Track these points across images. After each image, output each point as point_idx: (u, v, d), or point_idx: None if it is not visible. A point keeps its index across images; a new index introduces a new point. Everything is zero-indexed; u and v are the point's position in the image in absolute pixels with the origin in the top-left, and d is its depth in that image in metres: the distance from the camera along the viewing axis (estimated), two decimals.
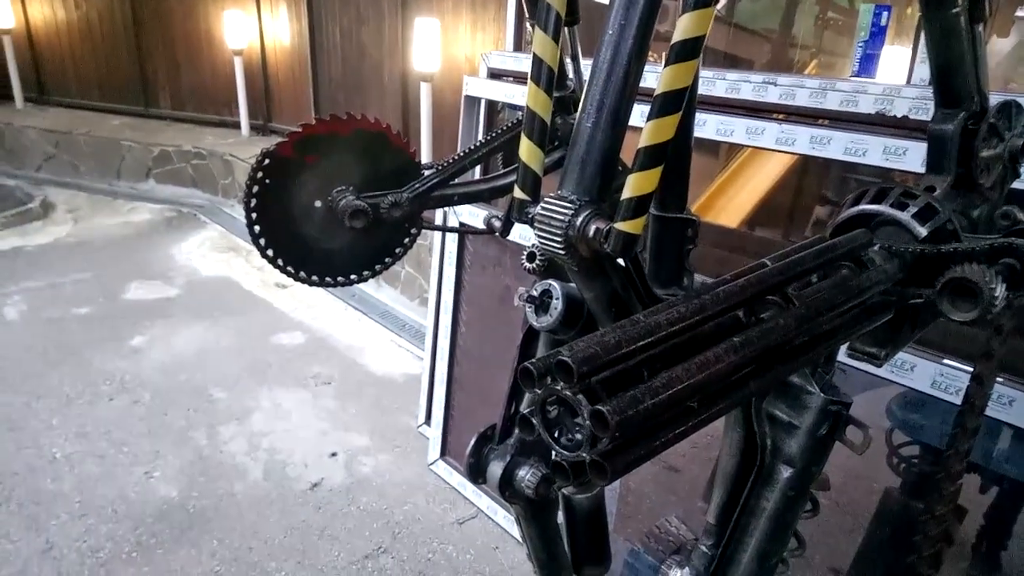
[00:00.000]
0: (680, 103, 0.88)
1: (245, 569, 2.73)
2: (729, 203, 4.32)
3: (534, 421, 0.62)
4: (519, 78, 2.79)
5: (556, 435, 0.62)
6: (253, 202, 1.34)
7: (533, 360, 0.61)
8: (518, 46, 3.06)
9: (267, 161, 1.33)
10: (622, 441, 0.57)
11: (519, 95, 2.68)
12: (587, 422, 0.55)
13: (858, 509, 2.25)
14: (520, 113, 2.85)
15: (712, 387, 0.62)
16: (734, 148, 4.39)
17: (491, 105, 2.99)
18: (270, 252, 1.40)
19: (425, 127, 4.99)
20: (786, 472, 1.02)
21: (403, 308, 5.02)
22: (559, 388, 0.58)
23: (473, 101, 2.96)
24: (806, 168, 4.20)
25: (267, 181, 1.34)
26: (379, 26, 5.71)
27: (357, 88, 6.15)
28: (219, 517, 2.98)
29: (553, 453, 0.67)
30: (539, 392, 0.60)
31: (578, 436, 0.60)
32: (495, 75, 2.89)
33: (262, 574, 2.71)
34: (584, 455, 0.57)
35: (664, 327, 0.61)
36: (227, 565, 2.74)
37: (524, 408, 1.46)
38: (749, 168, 4.44)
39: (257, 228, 1.37)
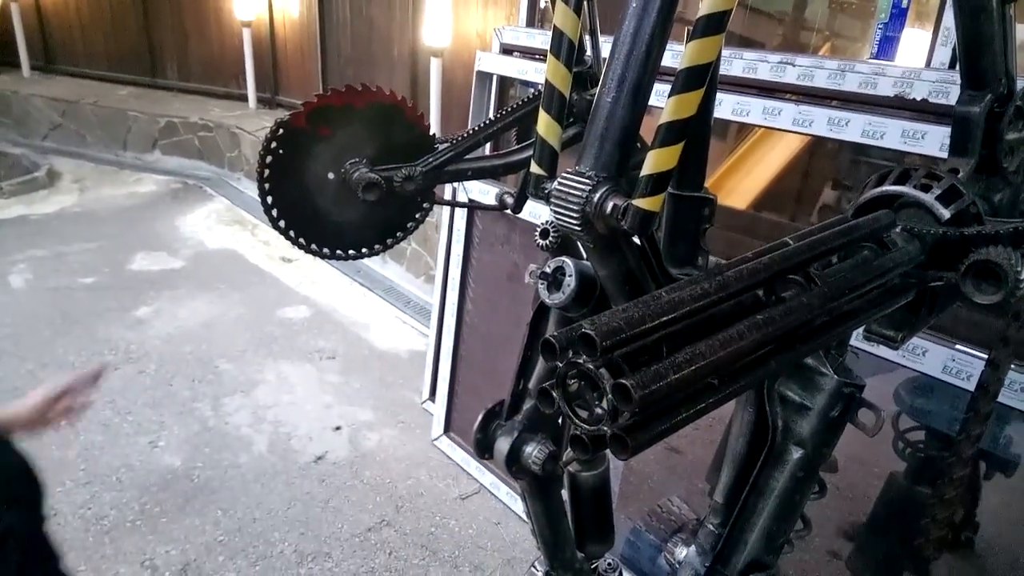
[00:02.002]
0: (704, 79, 0.87)
1: (249, 539, 2.75)
2: (737, 185, 4.30)
3: (554, 394, 0.62)
4: (532, 54, 2.76)
5: (575, 409, 0.62)
6: (266, 173, 1.33)
7: (555, 333, 0.60)
8: (531, 21, 3.03)
9: (280, 132, 1.32)
10: (643, 416, 0.57)
11: (532, 71, 2.65)
12: (610, 396, 0.55)
13: (858, 493, 2.25)
14: (533, 89, 2.83)
15: (734, 364, 0.61)
16: (743, 131, 4.35)
17: (503, 81, 2.97)
18: (282, 223, 1.39)
19: (435, 103, 4.96)
20: (796, 453, 1.02)
21: (408, 284, 5.02)
22: (581, 361, 0.58)
23: (485, 77, 2.93)
24: (814, 151, 4.17)
25: (280, 152, 1.33)
26: (389, 0, 5.66)
27: (366, 63, 6.10)
28: (223, 488, 3.00)
29: (571, 426, 0.66)
30: (560, 365, 0.60)
31: (598, 410, 0.60)
32: (508, 51, 2.86)
33: (266, 545, 2.74)
34: (605, 429, 0.57)
35: (688, 303, 0.60)
36: (231, 535, 2.76)
37: (538, 382, 1.46)
38: (757, 151, 4.41)
39: (269, 199, 1.36)
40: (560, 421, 1.56)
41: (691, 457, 2.71)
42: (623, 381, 0.53)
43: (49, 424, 1.42)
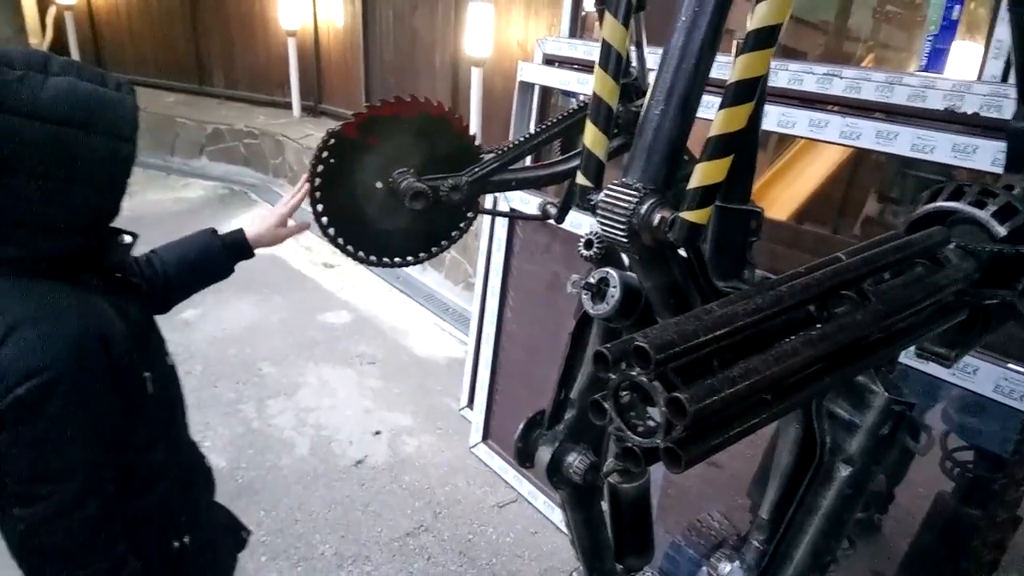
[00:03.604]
0: (754, 92, 0.87)
1: (291, 540, 2.79)
2: (778, 197, 4.25)
3: (606, 406, 0.62)
4: (574, 64, 2.77)
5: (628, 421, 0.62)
6: (317, 181, 1.36)
7: (608, 345, 0.61)
8: (574, 32, 3.04)
9: (332, 141, 1.35)
10: (696, 430, 0.57)
11: (574, 81, 2.66)
12: (664, 409, 0.55)
13: (901, 513, 2.20)
14: (574, 99, 2.82)
15: (787, 380, 0.61)
16: (783, 141, 4.30)
17: (544, 91, 2.98)
18: (331, 231, 1.42)
19: (475, 112, 4.99)
20: (844, 471, 1.01)
21: (447, 292, 5.05)
22: (634, 374, 0.58)
23: (527, 87, 2.95)
24: (857, 163, 4.10)
25: (331, 161, 1.36)
26: (432, 10, 5.72)
27: (408, 72, 6.17)
28: (266, 489, 3.05)
29: (616, 438, 0.67)
30: (613, 377, 0.61)
31: (650, 423, 0.60)
32: (550, 61, 2.87)
33: (307, 547, 2.78)
34: (658, 442, 0.58)
35: (741, 317, 0.61)
36: (273, 536, 2.80)
37: (580, 392, 1.46)
38: (798, 162, 4.35)
39: (320, 207, 1.39)
40: (602, 432, 1.56)
41: (730, 471, 2.68)
42: (677, 395, 0.53)
43: (286, 237, 1.65)
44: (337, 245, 1.44)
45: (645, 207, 0.90)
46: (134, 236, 1.33)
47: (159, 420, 1.36)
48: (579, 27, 3.16)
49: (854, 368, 0.72)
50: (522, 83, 2.94)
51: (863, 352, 0.72)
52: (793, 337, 0.63)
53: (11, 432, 1.11)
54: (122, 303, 1.29)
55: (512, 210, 2.93)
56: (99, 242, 1.27)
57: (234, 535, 1.70)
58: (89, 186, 1.15)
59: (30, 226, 1.12)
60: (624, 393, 0.62)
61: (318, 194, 1.38)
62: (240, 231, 1.62)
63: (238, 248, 1.62)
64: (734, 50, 0.94)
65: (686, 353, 0.58)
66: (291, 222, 1.68)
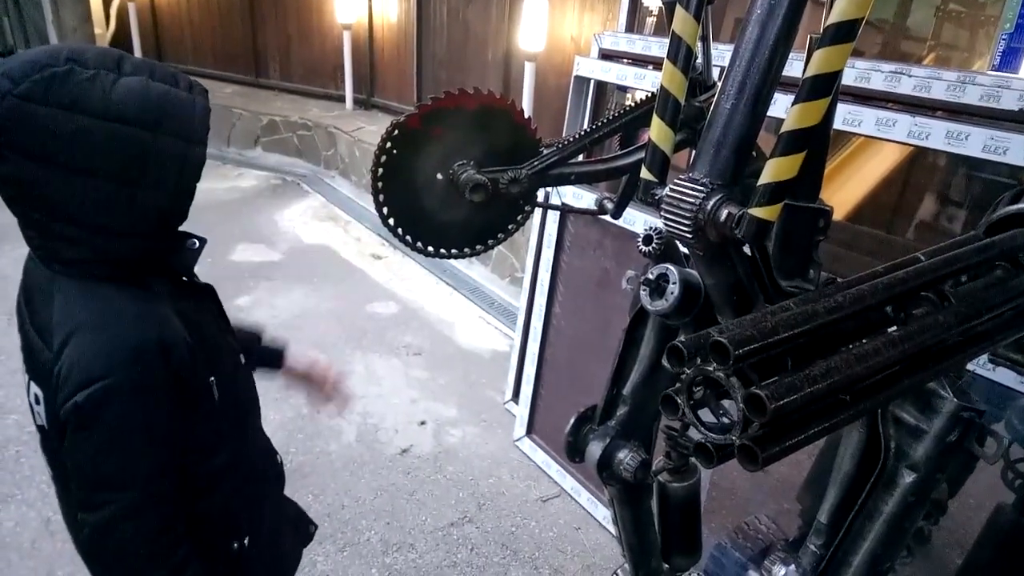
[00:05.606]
0: (831, 87, 0.86)
1: (338, 525, 2.84)
2: (831, 197, 4.16)
3: (679, 400, 0.62)
4: (631, 59, 2.75)
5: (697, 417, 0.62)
6: (380, 171, 1.38)
7: (683, 339, 0.61)
8: (631, 27, 3.01)
9: (396, 132, 1.36)
10: (774, 428, 0.57)
11: (631, 76, 2.64)
12: (742, 405, 0.55)
13: (952, 524, 2.14)
14: (630, 94, 2.79)
15: (867, 381, 0.60)
16: (836, 141, 4.20)
17: (600, 86, 2.97)
18: (391, 221, 1.43)
19: (527, 107, 4.99)
20: (908, 477, 0.99)
21: (493, 286, 5.07)
22: (711, 369, 0.58)
23: (583, 82, 2.93)
24: (914, 163, 3.98)
25: (395, 151, 1.37)
26: (486, 5, 5.73)
27: (460, 66, 6.20)
28: (315, 473, 3.11)
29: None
30: (688, 372, 0.60)
31: (725, 419, 0.60)
32: (606, 56, 2.85)
33: (354, 531, 2.82)
34: (734, 439, 0.57)
35: (821, 316, 0.60)
36: (321, 520, 2.83)
37: (633, 389, 1.46)
38: (853, 162, 4.26)
39: (382, 197, 1.40)
40: (652, 429, 1.55)
41: (777, 475, 2.64)
42: (757, 391, 0.53)
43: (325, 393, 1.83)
44: (397, 235, 1.45)
45: (712, 202, 0.90)
46: (202, 241, 1.29)
47: (226, 424, 1.34)
48: (636, 22, 3.14)
49: (932, 371, 0.70)
50: (578, 78, 2.93)
51: (942, 355, 0.70)
52: (872, 337, 0.61)
53: (72, 439, 1.11)
54: (189, 308, 1.27)
55: (566, 205, 2.92)
56: (166, 246, 1.24)
57: (300, 529, 1.72)
58: (157, 188, 1.13)
59: (97, 228, 1.11)
60: (697, 388, 0.61)
61: (380, 184, 1.40)
62: (283, 348, 1.72)
63: (272, 354, 1.71)
64: (807, 45, 0.92)
65: (764, 350, 0.57)
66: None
